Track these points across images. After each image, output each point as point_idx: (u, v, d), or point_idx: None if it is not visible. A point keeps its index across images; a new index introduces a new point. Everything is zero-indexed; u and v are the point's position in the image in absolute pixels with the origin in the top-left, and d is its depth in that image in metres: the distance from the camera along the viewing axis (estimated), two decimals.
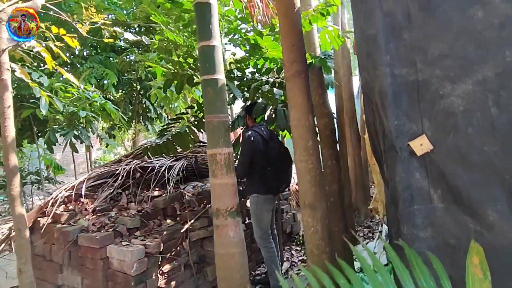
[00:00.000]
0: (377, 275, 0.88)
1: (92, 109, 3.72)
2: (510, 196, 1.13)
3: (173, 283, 2.52)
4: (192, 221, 2.79)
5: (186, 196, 3.08)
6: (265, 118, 3.15)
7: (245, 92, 3.06)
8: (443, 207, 1.25)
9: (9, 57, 1.83)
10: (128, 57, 5.10)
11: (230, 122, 2.08)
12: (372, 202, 3.52)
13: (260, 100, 3.01)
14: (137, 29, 5.54)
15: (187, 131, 2.93)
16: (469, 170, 1.19)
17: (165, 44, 2.77)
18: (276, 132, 3.10)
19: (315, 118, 2.07)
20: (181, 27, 2.67)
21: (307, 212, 1.86)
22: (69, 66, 4.89)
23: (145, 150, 3.11)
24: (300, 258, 3.50)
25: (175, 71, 2.71)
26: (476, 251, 0.78)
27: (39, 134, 4.64)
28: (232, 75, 2.99)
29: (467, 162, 1.19)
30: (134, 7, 5.38)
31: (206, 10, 1.80)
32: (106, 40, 3.02)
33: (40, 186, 5.62)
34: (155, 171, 3.23)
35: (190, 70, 2.77)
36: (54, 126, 3.69)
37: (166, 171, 3.25)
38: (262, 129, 2.76)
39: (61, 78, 3.87)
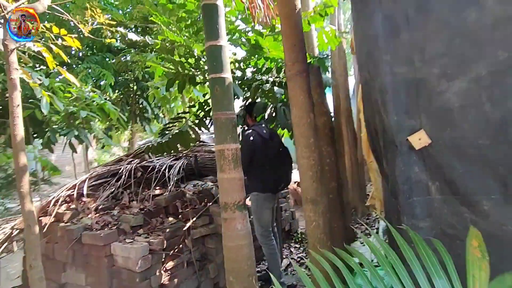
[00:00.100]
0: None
1: (91, 109, 3.72)
2: (503, 187, 1.20)
3: (176, 280, 2.55)
4: (194, 219, 2.83)
5: (187, 195, 3.11)
6: (265, 117, 3.20)
7: (245, 91, 3.11)
8: (440, 198, 1.33)
9: None
10: (124, 57, 5.10)
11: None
12: (369, 199, 3.60)
13: (260, 99, 3.06)
14: (133, 29, 5.56)
15: (189, 130, 2.97)
16: (464, 163, 1.26)
17: (167, 44, 2.80)
18: (276, 131, 3.15)
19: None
20: (183, 28, 2.71)
21: (309, 207, 1.91)
22: (65, 66, 4.87)
23: (147, 148, 3.15)
24: (299, 255, 3.56)
25: (177, 71, 2.75)
26: (475, 235, 0.85)
27: (35, 135, 4.62)
28: (233, 74, 3.03)
29: (463, 155, 1.27)
30: (130, 8, 5.40)
31: (214, 11, 1.85)
32: (108, 40, 3.04)
33: (36, 187, 5.59)
34: (156, 170, 3.27)
35: (192, 70, 2.81)
36: (54, 127, 3.69)
37: (167, 170, 3.29)
38: (262, 128, 2.80)
39: (57, 79, 3.86)
